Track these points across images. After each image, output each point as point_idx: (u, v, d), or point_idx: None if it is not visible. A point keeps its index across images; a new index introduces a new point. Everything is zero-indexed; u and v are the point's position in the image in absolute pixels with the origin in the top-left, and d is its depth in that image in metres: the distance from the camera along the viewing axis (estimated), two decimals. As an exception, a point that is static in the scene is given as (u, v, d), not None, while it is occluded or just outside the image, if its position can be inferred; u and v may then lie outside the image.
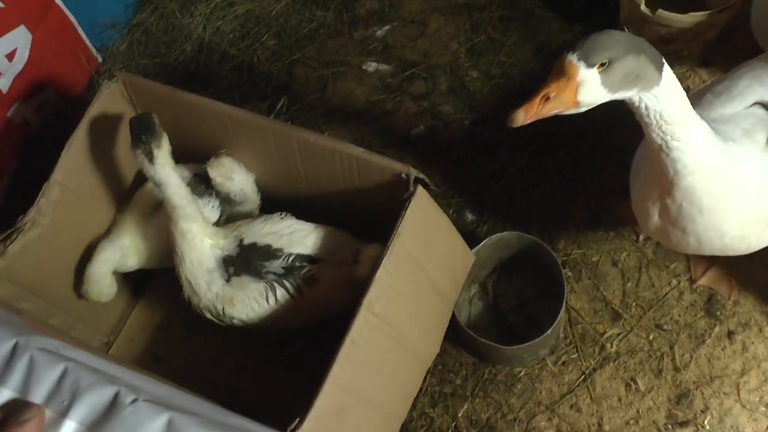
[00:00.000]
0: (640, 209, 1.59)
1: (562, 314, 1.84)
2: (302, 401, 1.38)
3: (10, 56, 2.15)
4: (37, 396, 0.81)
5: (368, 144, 2.26)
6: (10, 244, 1.70)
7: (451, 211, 2.14)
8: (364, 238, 1.81)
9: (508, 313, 2.03)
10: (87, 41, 2.43)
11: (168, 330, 2.10)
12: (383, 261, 1.49)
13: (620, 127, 2.12)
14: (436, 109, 2.31)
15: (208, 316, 1.78)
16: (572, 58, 1.15)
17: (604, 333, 1.96)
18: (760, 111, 1.52)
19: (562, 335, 1.98)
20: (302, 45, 2.45)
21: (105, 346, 2.08)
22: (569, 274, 2.03)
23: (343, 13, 2.51)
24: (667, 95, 1.23)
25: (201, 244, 1.70)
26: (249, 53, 2.47)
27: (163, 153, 1.62)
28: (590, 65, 1.15)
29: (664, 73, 1.21)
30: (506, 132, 2.23)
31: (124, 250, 1.84)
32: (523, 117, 1.19)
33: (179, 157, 1.90)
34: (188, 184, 1.72)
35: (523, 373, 1.95)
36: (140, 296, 2.14)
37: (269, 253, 1.71)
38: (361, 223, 1.83)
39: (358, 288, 1.71)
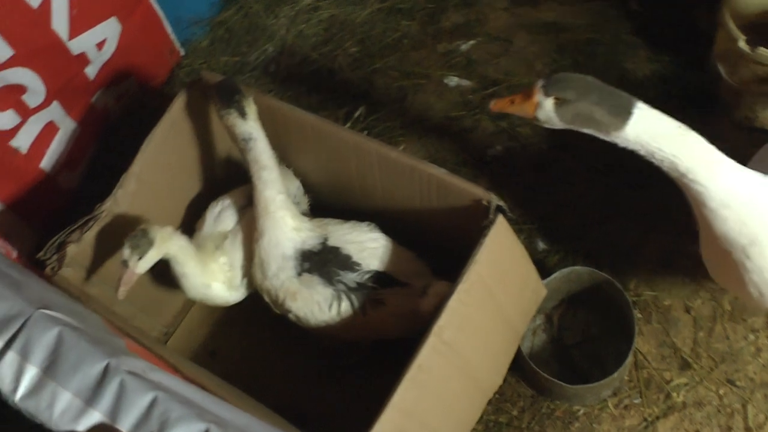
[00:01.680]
0: (703, 255, 1.59)
1: (630, 358, 1.78)
2: (354, 417, 1.35)
3: (100, 45, 2.18)
4: (126, 422, 0.79)
5: (443, 161, 2.23)
6: (86, 231, 1.72)
7: (522, 237, 2.09)
8: (434, 258, 1.79)
9: (571, 348, 1.98)
10: (171, 35, 2.46)
11: (228, 326, 2.10)
12: (457, 288, 1.46)
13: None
14: (514, 130, 2.27)
15: (266, 298, 1.78)
16: (539, 82, 1.39)
17: (671, 381, 1.89)
18: None
19: (626, 378, 1.91)
20: (384, 54, 2.43)
21: (164, 336, 2.10)
22: (638, 315, 1.96)
23: (428, 25, 2.48)
24: (633, 139, 1.35)
25: (282, 222, 1.69)
26: (330, 59, 2.46)
27: (252, 110, 1.66)
28: (547, 95, 1.37)
29: (630, 121, 1.33)
30: (584, 161, 2.17)
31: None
32: (493, 106, 1.46)
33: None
34: None
35: (582, 412, 1.90)
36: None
37: (348, 263, 1.70)
38: (433, 243, 1.81)
39: (419, 321, 1.69)
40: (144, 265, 1.66)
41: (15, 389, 0.72)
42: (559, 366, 1.95)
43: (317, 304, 1.70)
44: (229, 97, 1.65)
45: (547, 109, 1.39)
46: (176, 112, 1.83)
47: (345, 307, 1.69)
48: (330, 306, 1.70)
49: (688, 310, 1.96)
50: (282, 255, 1.70)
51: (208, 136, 1.96)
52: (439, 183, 1.63)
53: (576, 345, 1.97)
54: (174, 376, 0.84)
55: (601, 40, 2.41)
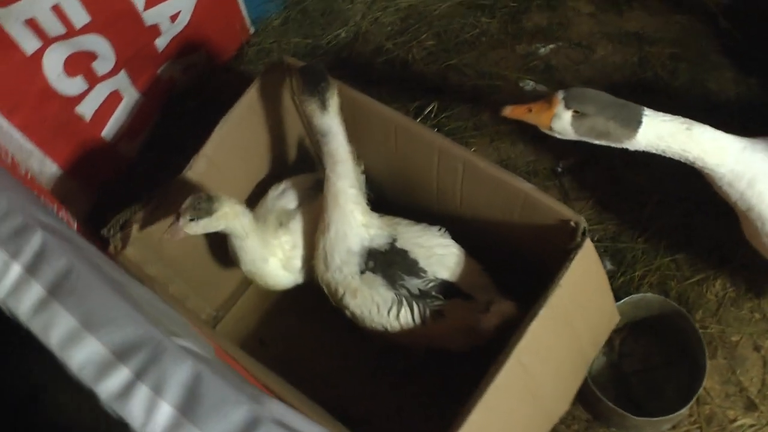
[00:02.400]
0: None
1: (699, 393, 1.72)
2: (398, 424, 1.28)
3: (174, 17, 2.13)
4: None
5: (513, 167, 2.16)
6: (123, 248, 1.67)
7: (590, 256, 2.03)
8: (503, 272, 1.73)
9: (630, 376, 1.92)
10: (243, 11, 2.39)
11: (279, 315, 2.06)
12: (540, 312, 1.41)
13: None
14: (588, 143, 2.18)
15: (324, 290, 1.74)
16: (560, 94, 1.46)
17: (735, 420, 1.82)
18: None
19: (686, 412, 1.85)
20: (461, 50, 2.36)
21: (213, 320, 2.06)
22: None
23: (509, 24, 2.40)
24: (644, 145, 1.45)
25: (352, 216, 1.63)
26: (405, 49, 2.39)
27: (335, 103, 1.58)
28: (568, 107, 1.44)
29: (640, 130, 1.43)
30: (659, 182, 2.10)
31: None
32: (508, 113, 1.52)
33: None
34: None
35: (639, 442, 1.84)
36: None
37: (414, 269, 1.64)
38: (504, 257, 1.75)
39: (477, 337, 1.64)
40: (194, 228, 1.59)
41: (146, 425, 0.67)
42: (615, 392, 1.89)
43: (376, 306, 1.66)
44: (315, 84, 1.56)
45: (564, 121, 1.46)
46: (252, 95, 1.78)
47: (404, 313, 1.65)
48: (389, 310, 1.65)
49: (757, 349, 1.89)
50: (347, 249, 1.65)
51: (282, 122, 1.91)
52: (526, 199, 1.56)
53: (635, 373, 1.91)
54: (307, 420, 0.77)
55: (685, 56, 2.31)
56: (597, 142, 1.48)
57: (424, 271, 1.65)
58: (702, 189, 2.05)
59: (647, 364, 1.91)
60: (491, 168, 1.59)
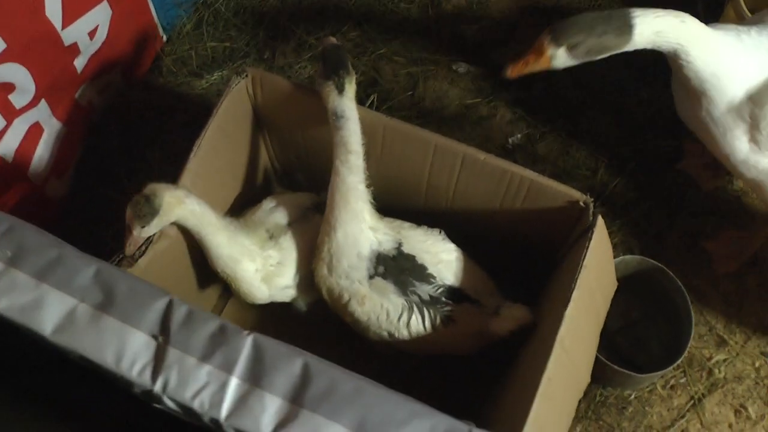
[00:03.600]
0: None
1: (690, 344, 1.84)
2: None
3: (92, 34, 1.92)
4: None
5: (466, 151, 2.17)
6: (139, 257, 1.52)
7: (556, 227, 2.09)
8: (501, 261, 1.75)
9: (614, 334, 2.01)
10: (156, 18, 2.21)
11: (262, 331, 1.94)
12: (572, 296, 1.43)
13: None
14: (533, 116, 2.24)
15: (325, 296, 1.67)
16: (546, 37, 1.48)
17: (711, 358, 1.97)
18: None
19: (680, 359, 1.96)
20: (387, 39, 2.31)
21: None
22: (671, 297, 2.02)
23: (429, 8, 2.38)
24: (642, 44, 1.48)
25: (361, 217, 1.57)
26: (330, 44, 2.30)
27: (353, 87, 1.55)
28: (558, 45, 1.47)
29: (636, 32, 1.46)
30: (604, 147, 2.19)
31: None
32: (510, 73, 1.52)
33: (308, 159, 1.77)
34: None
35: (633, 396, 1.94)
36: (227, 301, 1.98)
37: (424, 274, 1.61)
38: (498, 248, 1.76)
39: (485, 340, 1.65)
40: (150, 230, 1.50)
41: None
42: (606, 353, 1.98)
43: (386, 312, 1.61)
44: (333, 69, 1.52)
45: (561, 57, 1.49)
46: (221, 116, 1.65)
47: (415, 319, 1.61)
48: (399, 316, 1.61)
49: (716, 287, 2.04)
50: (357, 254, 1.59)
51: (254, 139, 1.80)
52: (531, 185, 1.58)
53: (619, 330, 2.01)
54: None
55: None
56: (599, 57, 1.52)
57: (434, 277, 1.62)
58: (643, 148, 2.19)
59: (628, 320, 2.01)
60: (492, 159, 1.58)
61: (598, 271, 1.53)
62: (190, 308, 0.85)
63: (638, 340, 2.00)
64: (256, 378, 0.79)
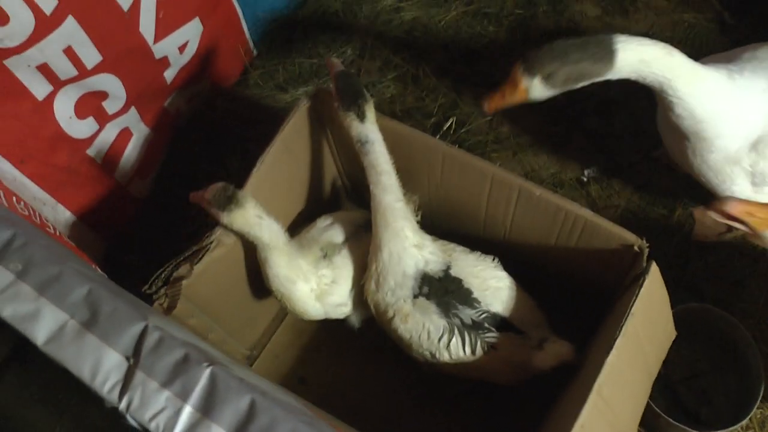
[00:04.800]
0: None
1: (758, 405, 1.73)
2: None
3: (182, 48, 2.04)
4: None
5: (538, 179, 2.14)
6: (196, 263, 1.60)
7: (626, 266, 2.02)
8: (555, 298, 1.71)
9: (677, 384, 1.92)
10: (247, 34, 2.31)
11: (316, 351, 2.00)
12: (616, 344, 1.39)
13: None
14: (610, 149, 2.18)
15: (372, 310, 1.70)
16: (519, 68, 1.45)
17: (784, 420, 1.84)
18: None
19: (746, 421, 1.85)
20: (471, 61, 2.31)
21: (247, 360, 1.99)
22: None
23: (517, 31, 2.36)
24: (627, 72, 1.43)
25: (403, 235, 1.59)
26: (414, 64, 2.33)
27: (372, 111, 1.58)
28: (533, 76, 1.43)
29: (618, 58, 1.40)
30: (686, 185, 2.10)
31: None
32: (487, 107, 1.52)
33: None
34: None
35: (693, 451, 1.84)
36: (286, 312, 2.04)
37: (468, 298, 1.61)
38: (558, 283, 1.73)
39: (528, 372, 1.62)
40: (211, 210, 1.57)
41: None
42: (665, 402, 1.89)
43: (427, 332, 1.62)
44: (352, 100, 1.56)
45: (538, 89, 1.46)
46: (287, 132, 1.71)
47: (456, 342, 1.61)
48: (440, 337, 1.61)
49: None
50: (403, 272, 1.60)
51: (320, 156, 1.85)
52: (585, 224, 1.54)
53: (682, 380, 1.92)
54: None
55: (693, 54, 2.31)
56: (580, 85, 1.47)
57: (478, 302, 1.62)
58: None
59: (695, 371, 1.92)
60: (547, 195, 1.56)
61: (648, 320, 1.48)
62: (162, 335, 0.91)
63: (704, 392, 1.90)
64: (207, 408, 0.84)
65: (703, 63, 1.53)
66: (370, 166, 1.57)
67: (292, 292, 1.69)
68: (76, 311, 0.89)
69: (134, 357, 0.86)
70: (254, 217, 1.57)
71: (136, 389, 0.84)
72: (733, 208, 1.28)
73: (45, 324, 0.89)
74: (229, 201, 1.55)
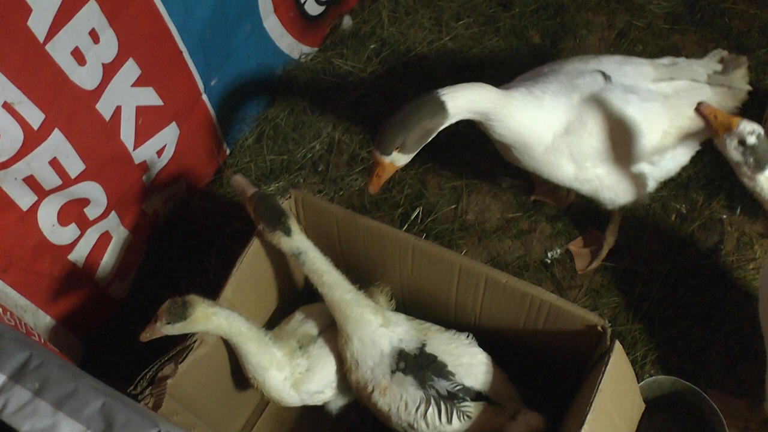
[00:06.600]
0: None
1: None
2: None
3: (160, 152, 2.13)
4: None
5: (503, 264, 2.24)
6: (181, 362, 1.65)
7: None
8: (527, 376, 1.79)
9: (651, 456, 1.99)
10: (220, 134, 2.42)
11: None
12: (587, 418, 1.47)
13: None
14: (571, 233, 2.30)
15: (354, 391, 1.79)
16: (376, 152, 1.68)
17: (753, 485, 1.91)
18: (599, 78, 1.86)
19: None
20: (435, 153, 2.43)
21: (230, 455, 2.02)
22: (714, 418, 1.99)
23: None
24: (459, 117, 1.70)
25: (365, 320, 1.68)
26: (380, 157, 2.44)
27: (295, 223, 1.69)
28: (389, 154, 1.67)
29: (449, 108, 1.66)
30: (644, 262, 2.22)
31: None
32: (372, 190, 1.75)
33: (347, 269, 1.87)
34: None
35: None
36: (267, 403, 2.08)
37: (443, 371, 1.69)
38: (528, 362, 1.81)
39: None
40: (171, 330, 1.62)
41: None
42: (639, 475, 1.96)
43: (404, 403, 1.69)
44: (276, 219, 1.67)
45: (398, 160, 1.69)
46: (257, 244, 1.80)
47: (431, 412, 1.68)
48: (417, 407, 1.68)
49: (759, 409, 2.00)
50: (380, 352, 1.70)
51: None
52: (551, 308, 1.64)
53: (656, 452, 1.99)
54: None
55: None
56: (430, 138, 1.70)
57: (453, 375, 1.69)
58: (682, 263, 2.21)
59: (665, 440, 2.00)
60: (513, 282, 1.66)
61: (616, 394, 1.56)
62: None
63: (676, 463, 1.97)
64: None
65: (510, 85, 1.86)
66: (311, 272, 1.69)
67: (266, 379, 1.76)
68: (92, 423, 0.96)
69: None
70: (210, 314, 1.63)
71: (145, 490, 0.90)
72: (704, 108, 1.62)
73: (63, 436, 0.95)
74: (185, 308, 1.61)
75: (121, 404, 1.00)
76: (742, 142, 1.57)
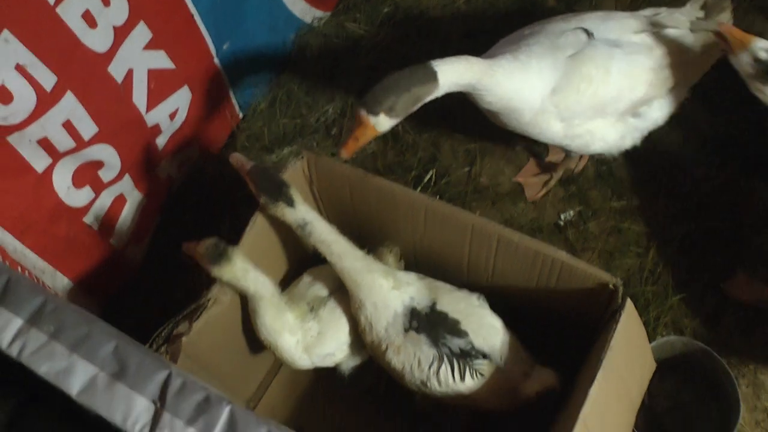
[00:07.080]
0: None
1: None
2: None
3: (173, 115, 2.14)
4: None
5: (517, 226, 2.24)
6: (195, 320, 1.67)
7: (605, 304, 2.11)
8: (539, 337, 1.80)
9: (662, 416, 1.99)
10: (233, 98, 2.42)
11: (312, 400, 2.06)
12: (597, 376, 1.46)
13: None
14: (584, 194, 2.29)
15: (369, 350, 1.80)
16: (361, 111, 1.64)
17: (767, 445, 1.92)
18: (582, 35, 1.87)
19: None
20: (448, 119, 2.42)
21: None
22: (727, 380, 1.99)
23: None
24: (449, 88, 1.69)
25: (377, 285, 1.69)
26: (393, 121, 2.44)
27: (297, 193, 1.68)
28: (376, 114, 1.62)
29: (440, 78, 1.65)
30: (658, 226, 2.21)
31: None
32: (344, 153, 1.69)
33: (360, 232, 1.87)
34: None
35: (679, 480, 1.91)
36: (281, 365, 2.11)
37: (455, 329, 1.69)
38: (541, 322, 1.81)
39: (516, 400, 1.70)
40: (204, 261, 1.65)
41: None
42: (651, 433, 1.97)
43: (418, 361, 1.70)
44: (277, 191, 1.66)
45: (384, 122, 1.65)
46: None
47: (445, 370, 1.69)
48: (430, 366, 1.70)
49: (774, 372, 2.00)
50: (393, 313, 1.71)
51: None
52: (563, 267, 1.63)
53: (667, 411, 1.99)
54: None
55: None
56: (416, 108, 1.68)
57: (466, 333, 1.70)
58: (697, 227, 2.19)
59: (677, 401, 2.00)
60: (525, 240, 1.65)
61: (627, 353, 1.56)
62: (184, 379, 1.00)
63: (688, 422, 1.97)
64: (228, 443, 0.93)
65: (493, 51, 1.90)
66: (319, 243, 1.68)
67: (279, 342, 1.78)
68: (106, 365, 1.00)
69: (160, 400, 0.96)
70: (241, 271, 1.66)
71: (164, 429, 0.94)
72: (721, 27, 1.71)
73: (78, 377, 1.00)
74: (220, 256, 1.64)
75: (133, 347, 1.03)
76: (756, 58, 1.67)
